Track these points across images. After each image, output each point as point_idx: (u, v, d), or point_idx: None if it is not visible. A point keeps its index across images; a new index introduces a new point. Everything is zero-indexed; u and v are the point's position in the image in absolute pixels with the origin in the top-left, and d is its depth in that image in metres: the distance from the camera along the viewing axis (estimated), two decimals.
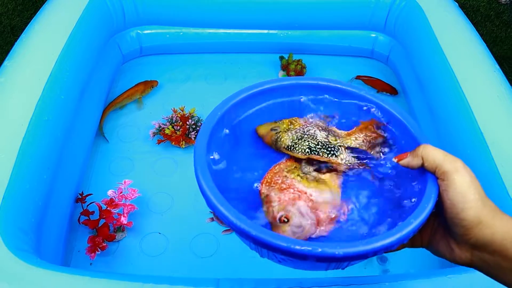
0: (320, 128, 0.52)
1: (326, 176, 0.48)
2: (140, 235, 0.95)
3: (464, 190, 0.40)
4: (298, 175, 0.48)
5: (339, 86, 0.53)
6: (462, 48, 1.01)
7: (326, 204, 0.45)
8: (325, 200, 0.46)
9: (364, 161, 0.49)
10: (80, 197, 0.96)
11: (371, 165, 0.48)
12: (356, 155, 0.50)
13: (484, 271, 0.42)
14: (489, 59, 0.98)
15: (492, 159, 0.80)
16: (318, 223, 0.44)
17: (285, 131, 0.51)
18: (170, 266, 0.91)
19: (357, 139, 0.51)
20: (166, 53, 1.32)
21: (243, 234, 0.39)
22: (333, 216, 0.45)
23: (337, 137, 0.51)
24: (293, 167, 0.49)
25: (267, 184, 0.47)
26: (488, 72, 0.95)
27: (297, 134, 0.51)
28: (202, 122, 1.11)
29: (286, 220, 0.43)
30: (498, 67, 0.97)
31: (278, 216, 0.44)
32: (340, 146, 0.50)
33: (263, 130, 0.51)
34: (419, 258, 0.92)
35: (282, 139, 0.50)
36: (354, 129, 0.53)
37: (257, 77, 1.29)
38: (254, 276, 0.89)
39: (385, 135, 0.51)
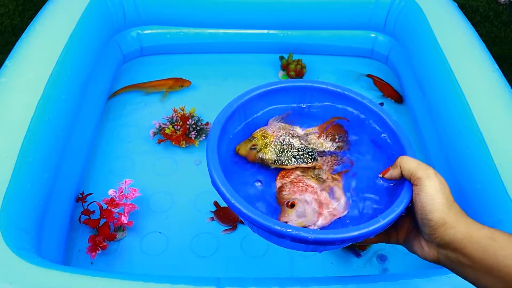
0: (291, 135, 0.57)
1: (335, 177, 0.54)
2: (141, 234, 0.95)
3: (432, 194, 0.46)
4: (310, 175, 0.55)
5: (343, 92, 0.62)
6: (461, 48, 1.02)
7: (330, 200, 0.52)
8: (329, 197, 0.52)
9: (345, 168, 0.56)
10: (80, 196, 0.96)
11: (349, 168, 0.55)
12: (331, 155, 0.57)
13: (448, 267, 0.47)
14: (488, 59, 0.98)
15: (492, 158, 0.80)
16: (320, 214, 0.50)
17: (264, 147, 0.56)
18: (171, 265, 0.91)
19: (327, 141, 0.58)
20: (166, 53, 1.33)
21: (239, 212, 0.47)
22: (334, 211, 0.51)
23: (309, 141, 0.58)
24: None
25: (282, 177, 0.54)
26: (487, 72, 0.95)
27: (276, 147, 0.56)
28: (202, 122, 1.11)
29: (292, 205, 0.50)
30: (497, 67, 0.97)
31: (286, 201, 0.51)
32: (314, 149, 0.56)
33: (243, 150, 0.55)
34: (419, 257, 0.92)
35: (267, 156, 0.55)
36: (316, 128, 0.59)
37: (257, 77, 1.30)
38: (254, 275, 0.90)
39: (346, 130, 0.59)
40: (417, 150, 1.12)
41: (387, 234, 0.52)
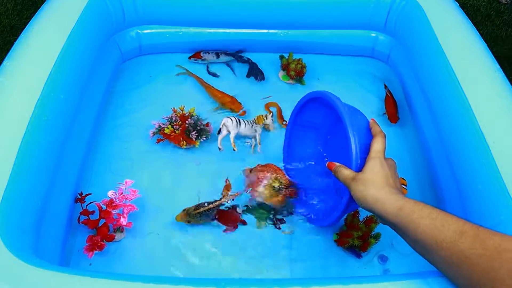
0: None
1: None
2: (140, 235, 0.95)
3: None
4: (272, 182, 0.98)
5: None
6: (462, 48, 1.01)
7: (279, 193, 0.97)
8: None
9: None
10: (79, 197, 0.95)
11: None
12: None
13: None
14: (489, 59, 0.98)
15: (493, 158, 0.80)
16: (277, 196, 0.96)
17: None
18: (171, 266, 0.90)
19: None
20: (166, 52, 1.32)
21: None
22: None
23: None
24: (273, 176, 0.99)
25: (255, 170, 1.00)
26: (489, 71, 0.95)
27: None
28: (202, 122, 1.11)
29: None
30: (498, 66, 0.96)
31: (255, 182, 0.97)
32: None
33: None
34: (420, 257, 0.92)
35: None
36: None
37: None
38: (254, 276, 0.89)
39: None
40: (418, 150, 1.12)
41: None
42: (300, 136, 0.99)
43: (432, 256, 0.58)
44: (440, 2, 1.14)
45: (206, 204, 0.95)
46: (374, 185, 0.66)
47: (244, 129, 1.08)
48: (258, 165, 1.02)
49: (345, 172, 0.71)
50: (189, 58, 1.32)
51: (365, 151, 0.71)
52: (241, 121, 1.09)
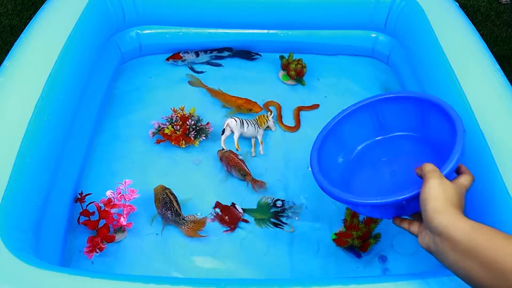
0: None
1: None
2: (140, 235, 0.95)
3: (432, 186, 0.60)
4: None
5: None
6: (462, 48, 1.01)
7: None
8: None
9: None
10: (79, 197, 0.95)
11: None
12: None
13: (434, 253, 0.58)
14: (489, 59, 0.98)
15: (493, 159, 0.80)
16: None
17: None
18: (171, 266, 0.90)
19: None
20: (166, 53, 1.32)
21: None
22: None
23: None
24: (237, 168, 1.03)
25: (224, 157, 1.05)
26: (489, 72, 0.95)
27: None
28: (202, 122, 1.11)
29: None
30: (498, 67, 0.96)
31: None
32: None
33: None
34: (420, 258, 0.92)
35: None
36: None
37: (257, 77, 1.29)
38: (254, 276, 0.89)
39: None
40: None
41: (411, 222, 0.66)
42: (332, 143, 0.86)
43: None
44: (440, 2, 1.14)
45: (175, 204, 0.94)
46: (452, 197, 0.59)
47: (247, 129, 1.09)
48: (230, 151, 1.05)
49: (428, 166, 0.63)
50: (167, 59, 1.29)
51: (452, 175, 0.67)
52: (245, 121, 1.09)
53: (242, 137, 1.09)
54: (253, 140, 1.11)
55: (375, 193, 0.68)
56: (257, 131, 1.11)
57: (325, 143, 0.83)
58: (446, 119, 0.74)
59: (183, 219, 0.93)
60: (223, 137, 1.07)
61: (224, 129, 1.07)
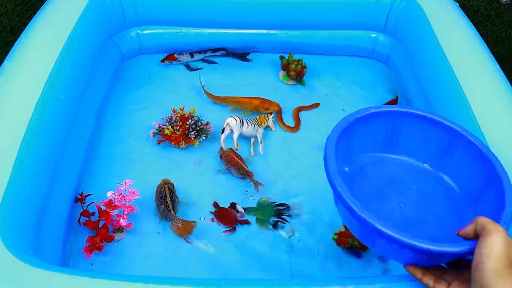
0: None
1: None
2: (140, 235, 0.95)
3: (495, 243, 0.49)
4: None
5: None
6: (462, 48, 1.01)
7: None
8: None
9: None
10: (79, 197, 0.95)
11: None
12: None
13: None
14: (489, 59, 0.98)
15: None
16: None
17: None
18: (170, 266, 0.90)
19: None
20: (166, 53, 1.32)
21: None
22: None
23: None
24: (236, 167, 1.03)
25: (224, 155, 1.05)
26: (489, 72, 0.95)
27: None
28: (202, 122, 1.11)
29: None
30: (498, 67, 0.96)
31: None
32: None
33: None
34: None
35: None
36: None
37: (257, 77, 1.29)
38: (254, 276, 0.89)
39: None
40: None
41: (426, 274, 0.59)
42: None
43: None
44: (440, 2, 1.14)
45: (168, 200, 0.95)
46: (508, 249, 0.50)
47: (247, 129, 1.09)
48: (231, 150, 1.05)
49: (487, 219, 0.53)
50: (162, 61, 1.28)
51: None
52: (245, 121, 1.09)
53: (241, 136, 1.09)
54: (252, 140, 1.11)
55: (382, 224, 0.55)
56: (257, 130, 1.11)
57: (337, 146, 0.65)
58: (482, 163, 0.65)
59: (173, 215, 0.94)
60: (222, 136, 1.07)
61: (223, 128, 1.08)
